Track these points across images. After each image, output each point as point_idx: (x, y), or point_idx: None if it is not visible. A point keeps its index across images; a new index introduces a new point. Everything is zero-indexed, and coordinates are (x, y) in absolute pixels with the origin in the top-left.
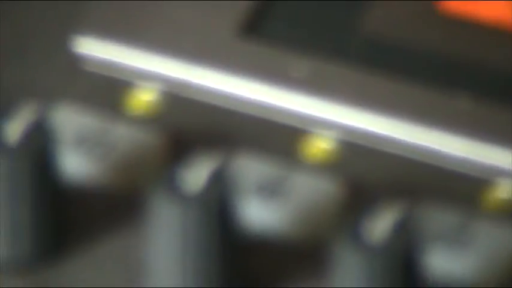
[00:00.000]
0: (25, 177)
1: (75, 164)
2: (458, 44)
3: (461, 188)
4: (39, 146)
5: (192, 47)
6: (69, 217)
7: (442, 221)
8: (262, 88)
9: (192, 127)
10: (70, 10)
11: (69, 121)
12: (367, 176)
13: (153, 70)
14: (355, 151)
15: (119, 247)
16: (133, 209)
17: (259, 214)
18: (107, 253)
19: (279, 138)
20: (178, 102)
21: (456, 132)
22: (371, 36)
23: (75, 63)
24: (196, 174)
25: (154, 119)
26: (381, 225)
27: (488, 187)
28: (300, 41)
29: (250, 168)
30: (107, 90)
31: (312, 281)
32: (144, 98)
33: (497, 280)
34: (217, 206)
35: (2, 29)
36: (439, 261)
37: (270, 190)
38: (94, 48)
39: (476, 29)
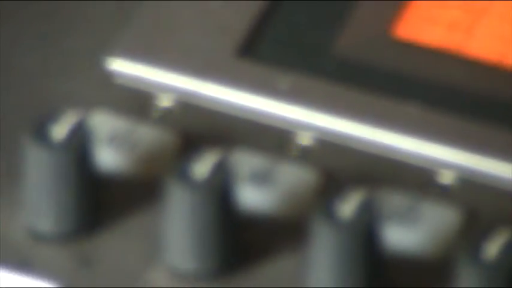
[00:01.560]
0: (69, 167)
1: (108, 157)
2: (409, 63)
3: (411, 176)
4: (81, 143)
5: (199, 65)
6: (103, 199)
7: (396, 202)
8: (255, 98)
9: (200, 128)
10: (105, 37)
11: (104, 123)
12: (338, 167)
13: (169, 83)
14: (329, 147)
15: (142, 223)
16: (152, 193)
17: (252, 197)
18: (132, 228)
19: (268, 137)
20: (189, 109)
21: (407, 132)
22: (341, 57)
23: (109, 78)
24: (203, 166)
25: (170, 122)
26: (348, 205)
27: (432, 176)
28: (286, 60)
29: (245, 161)
30: (133, 99)
31: (293, 250)
32: (162, 105)
33: (440, 250)
34: (219, 191)
35: (50, 50)
36: (394, 234)
37: (261, 178)
38: (123, 67)
39: (423, 50)
